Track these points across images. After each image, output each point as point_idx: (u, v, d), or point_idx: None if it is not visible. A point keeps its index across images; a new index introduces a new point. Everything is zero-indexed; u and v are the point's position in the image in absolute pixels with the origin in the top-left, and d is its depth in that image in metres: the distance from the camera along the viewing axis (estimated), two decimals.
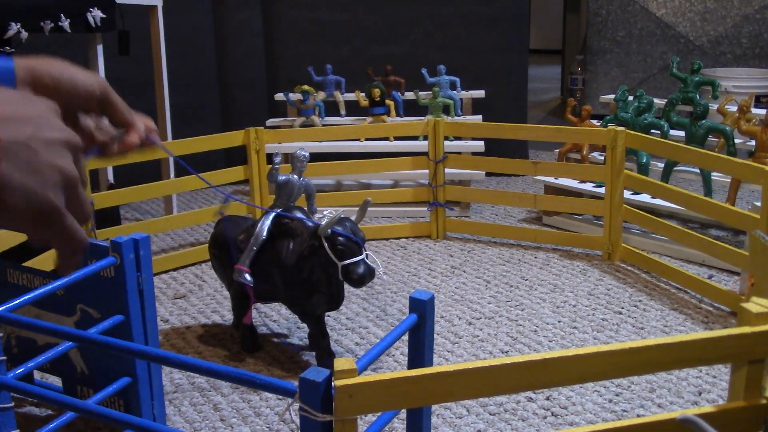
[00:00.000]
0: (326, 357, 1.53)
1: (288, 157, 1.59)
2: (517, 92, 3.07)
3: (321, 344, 1.52)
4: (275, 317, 1.78)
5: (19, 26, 1.89)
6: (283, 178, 1.57)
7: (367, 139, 2.56)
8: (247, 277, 1.50)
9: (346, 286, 1.50)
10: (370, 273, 1.41)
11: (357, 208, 1.48)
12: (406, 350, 1.18)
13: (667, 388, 1.44)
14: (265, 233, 1.51)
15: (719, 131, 2.12)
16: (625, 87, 2.38)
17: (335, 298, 1.49)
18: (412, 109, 2.68)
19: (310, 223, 1.47)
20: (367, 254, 1.43)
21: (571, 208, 2.25)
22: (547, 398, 1.42)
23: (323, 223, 1.42)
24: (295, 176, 1.58)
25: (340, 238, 1.40)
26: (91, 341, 0.91)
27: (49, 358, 1.04)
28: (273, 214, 1.53)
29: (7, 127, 0.45)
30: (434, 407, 1.36)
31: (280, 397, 1.41)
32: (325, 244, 1.40)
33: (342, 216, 1.43)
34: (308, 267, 1.46)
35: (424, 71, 2.66)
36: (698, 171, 2.14)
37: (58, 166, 0.47)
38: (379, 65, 2.74)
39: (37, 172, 0.46)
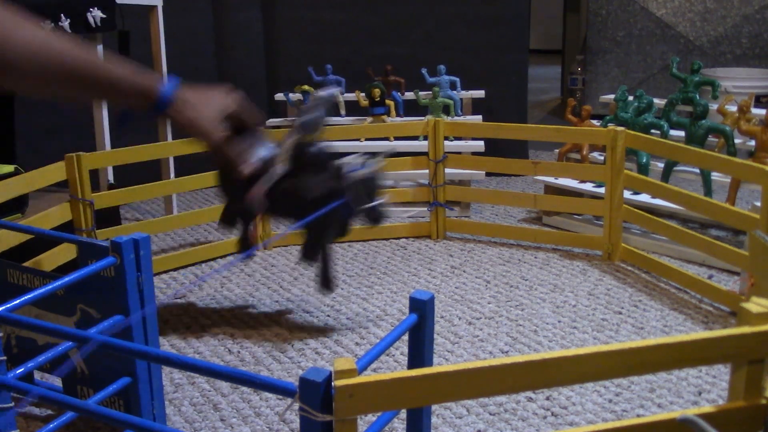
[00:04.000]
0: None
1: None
2: (517, 92, 3.07)
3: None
4: (275, 317, 1.78)
5: None
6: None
7: (367, 139, 2.56)
8: (260, 202, 1.46)
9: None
10: None
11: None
12: (406, 350, 1.18)
13: (667, 388, 1.44)
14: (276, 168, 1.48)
15: (719, 131, 2.12)
16: (625, 87, 2.38)
17: None
18: (412, 109, 2.68)
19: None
20: None
21: (571, 208, 2.25)
22: (547, 398, 1.42)
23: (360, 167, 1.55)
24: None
25: None
26: (91, 341, 0.91)
27: (49, 358, 1.04)
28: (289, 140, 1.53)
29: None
30: (434, 407, 1.36)
31: (280, 397, 1.41)
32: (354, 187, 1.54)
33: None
34: None
35: (424, 71, 2.66)
36: (698, 171, 2.14)
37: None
38: (379, 65, 2.74)
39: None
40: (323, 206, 1.47)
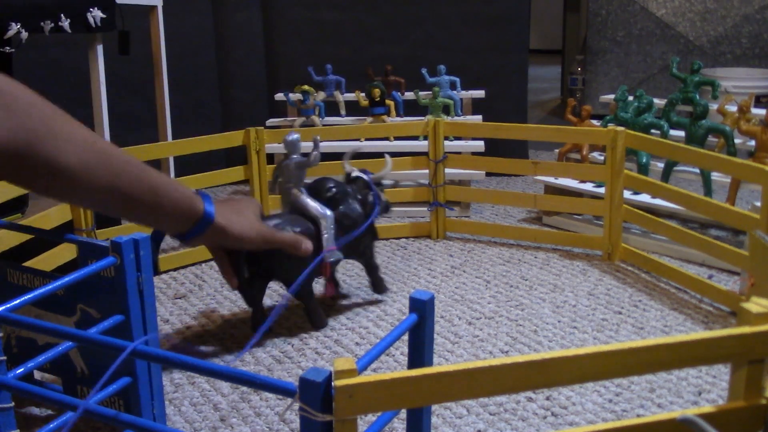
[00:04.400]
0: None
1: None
2: (517, 92, 3.07)
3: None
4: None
5: (19, 26, 1.90)
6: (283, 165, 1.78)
7: (367, 139, 2.56)
8: (338, 253, 1.69)
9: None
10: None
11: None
12: (406, 350, 1.18)
13: (667, 388, 1.44)
14: (325, 210, 1.67)
15: (719, 131, 2.12)
16: (625, 87, 2.38)
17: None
18: (412, 109, 2.68)
19: (365, 176, 1.77)
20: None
21: (571, 208, 2.25)
22: (547, 398, 1.42)
23: (372, 174, 1.77)
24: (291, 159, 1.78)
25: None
26: (91, 341, 0.91)
27: (49, 358, 1.04)
28: (306, 198, 1.69)
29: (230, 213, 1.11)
30: (434, 407, 1.36)
31: (280, 397, 1.41)
32: (377, 192, 1.75)
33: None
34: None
35: (424, 71, 2.66)
36: (698, 171, 2.14)
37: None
38: (379, 65, 2.74)
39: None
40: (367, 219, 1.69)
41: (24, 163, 0.79)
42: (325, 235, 1.64)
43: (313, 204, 1.66)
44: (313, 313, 1.71)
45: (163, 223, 1.02)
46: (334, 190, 1.70)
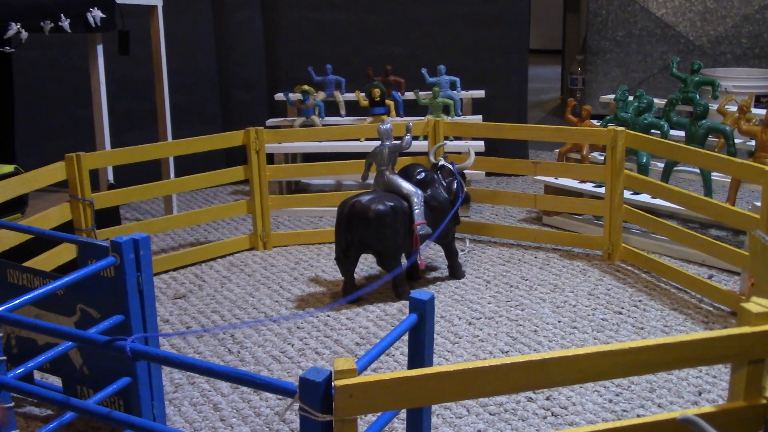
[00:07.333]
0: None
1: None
2: (517, 92, 3.07)
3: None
4: (275, 317, 1.78)
5: (19, 26, 1.89)
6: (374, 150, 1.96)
7: (367, 139, 2.56)
8: (427, 227, 1.84)
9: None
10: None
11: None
12: (406, 350, 1.18)
13: (667, 388, 1.44)
14: (417, 189, 1.86)
15: (719, 131, 2.12)
16: (625, 87, 2.38)
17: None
18: (412, 109, 2.68)
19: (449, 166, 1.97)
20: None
21: (571, 208, 2.25)
22: (547, 398, 1.42)
23: (456, 165, 1.96)
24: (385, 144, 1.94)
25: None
26: (91, 341, 0.91)
27: (49, 358, 1.04)
28: (398, 178, 1.89)
29: None
30: (434, 407, 1.36)
31: (280, 397, 1.41)
32: (461, 180, 1.94)
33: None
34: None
35: (424, 71, 2.66)
36: (698, 171, 2.14)
37: None
38: (379, 65, 2.74)
39: None
40: (454, 203, 1.90)
41: None
42: (416, 210, 1.82)
43: (405, 184, 1.86)
44: (399, 284, 1.86)
45: None
46: (423, 174, 1.90)
